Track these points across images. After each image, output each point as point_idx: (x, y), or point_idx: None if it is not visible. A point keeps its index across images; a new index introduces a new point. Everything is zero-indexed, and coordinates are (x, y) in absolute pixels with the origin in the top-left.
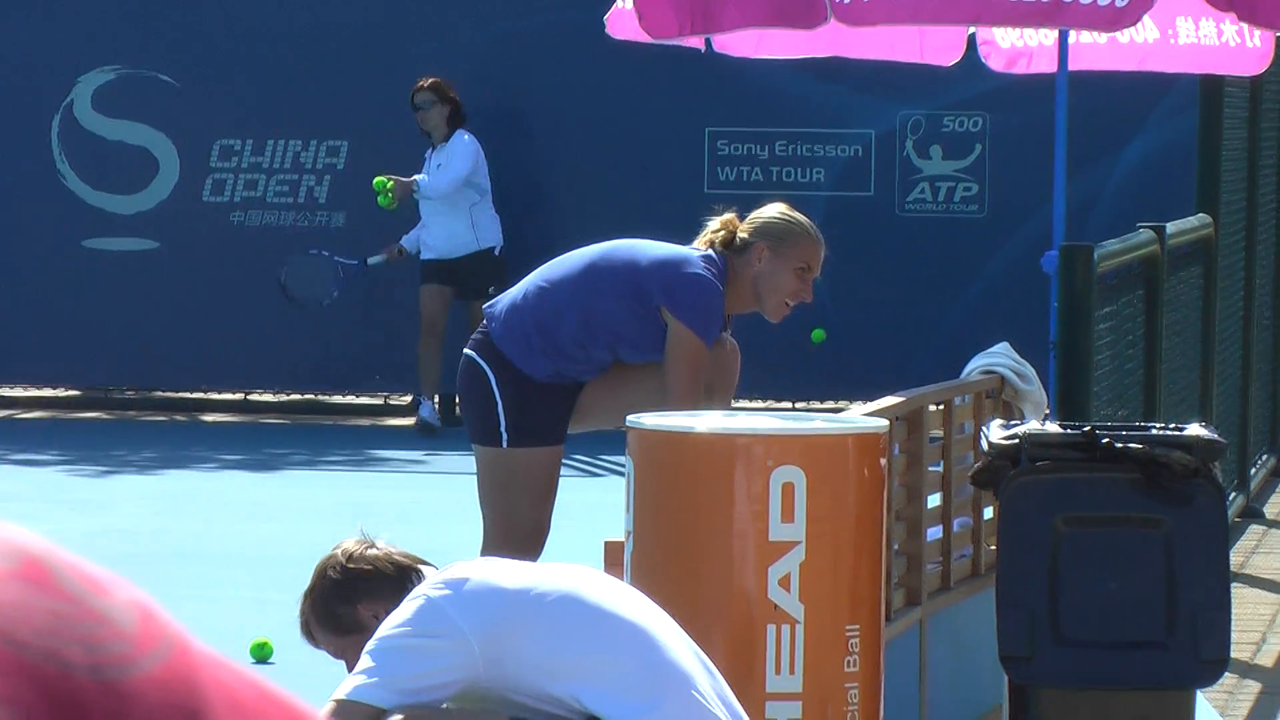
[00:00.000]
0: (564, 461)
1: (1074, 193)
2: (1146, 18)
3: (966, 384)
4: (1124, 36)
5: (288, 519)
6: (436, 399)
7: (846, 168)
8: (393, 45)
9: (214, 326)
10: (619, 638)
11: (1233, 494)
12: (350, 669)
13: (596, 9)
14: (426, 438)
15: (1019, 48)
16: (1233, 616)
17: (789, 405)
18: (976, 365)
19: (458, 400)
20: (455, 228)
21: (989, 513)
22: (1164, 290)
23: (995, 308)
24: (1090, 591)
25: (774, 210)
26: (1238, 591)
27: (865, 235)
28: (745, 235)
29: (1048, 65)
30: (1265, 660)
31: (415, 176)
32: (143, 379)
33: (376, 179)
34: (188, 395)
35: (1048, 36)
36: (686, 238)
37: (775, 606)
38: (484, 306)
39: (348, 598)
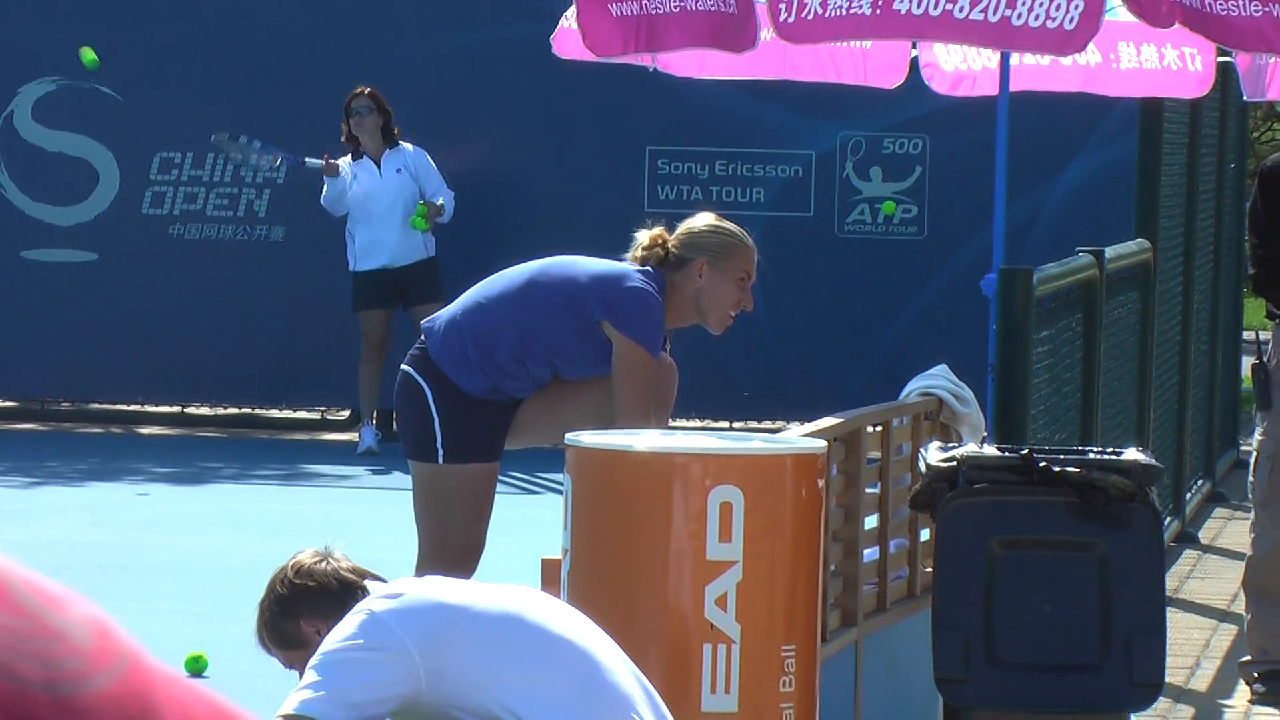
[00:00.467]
0: (501, 478)
1: (1013, 215)
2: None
3: (904, 405)
4: (1066, 59)
5: (222, 532)
6: (375, 416)
7: (786, 188)
8: (334, 59)
9: (151, 339)
10: (560, 657)
11: (1168, 519)
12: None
13: (538, 25)
14: (363, 458)
15: (962, 71)
16: (1167, 641)
17: (726, 425)
18: (915, 387)
19: (394, 416)
20: (411, 234)
21: (925, 534)
22: (1102, 314)
23: (933, 329)
24: (1025, 614)
25: (704, 222)
26: (1172, 616)
27: (804, 256)
28: (680, 251)
29: (991, 88)
30: (1199, 685)
31: (439, 201)
32: (79, 391)
33: (418, 212)
34: (124, 408)
35: (991, 59)
36: (625, 256)
37: (712, 626)
38: (422, 322)
39: (290, 613)
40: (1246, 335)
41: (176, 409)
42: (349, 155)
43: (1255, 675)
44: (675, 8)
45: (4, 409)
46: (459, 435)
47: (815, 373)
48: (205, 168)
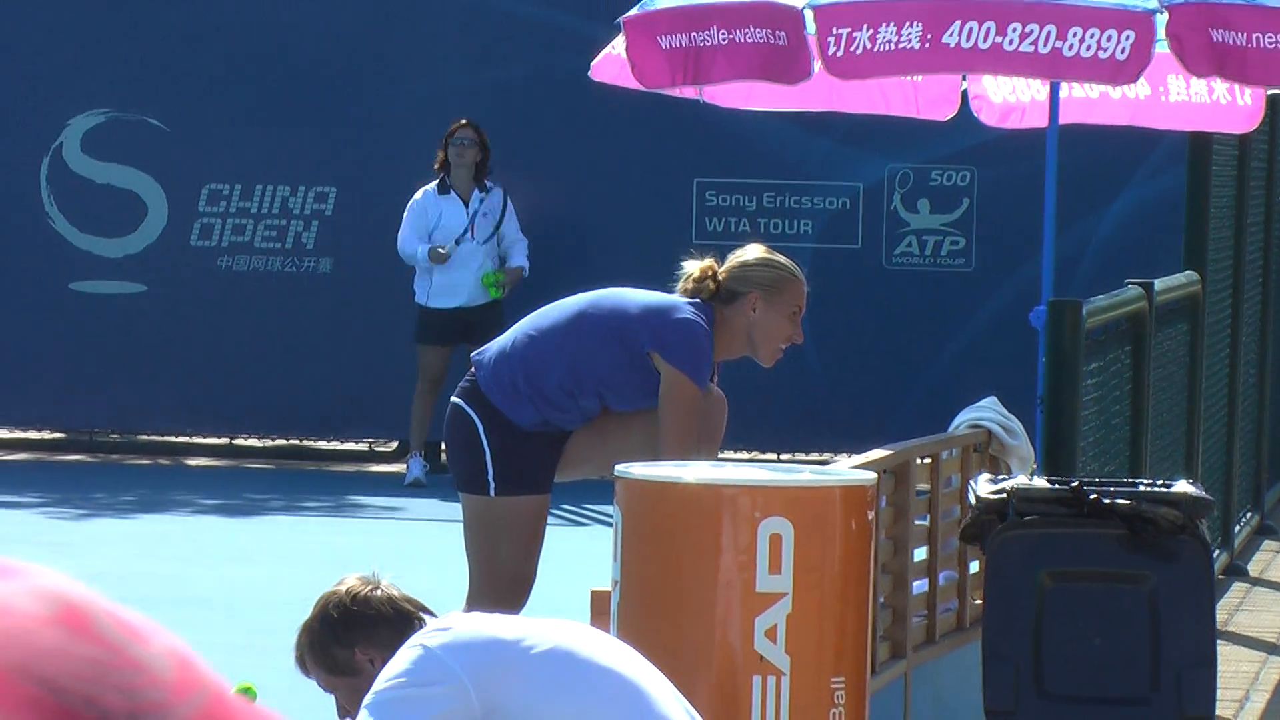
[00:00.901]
0: (551, 511)
1: (1061, 247)
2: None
3: (954, 437)
4: (1115, 92)
5: (269, 564)
6: (424, 449)
7: (834, 220)
8: (381, 91)
9: (199, 370)
10: (611, 690)
11: (1217, 551)
12: (340, 711)
13: (586, 56)
14: (411, 489)
15: (1011, 103)
16: (1218, 674)
17: (774, 457)
18: (964, 419)
19: (444, 448)
20: (489, 268)
21: (974, 566)
22: (1151, 346)
23: (981, 362)
24: (1075, 646)
25: (755, 255)
26: (1221, 649)
27: (852, 288)
28: (731, 285)
29: (1040, 120)
30: (1248, 718)
31: (516, 263)
32: (127, 422)
33: (485, 275)
34: (172, 439)
35: (1040, 91)
36: (673, 287)
37: (761, 658)
38: (473, 355)
39: (345, 640)
40: None
41: (224, 441)
42: (434, 183)
43: None
44: (724, 40)
45: (52, 440)
46: (510, 467)
47: (863, 405)
48: (253, 199)
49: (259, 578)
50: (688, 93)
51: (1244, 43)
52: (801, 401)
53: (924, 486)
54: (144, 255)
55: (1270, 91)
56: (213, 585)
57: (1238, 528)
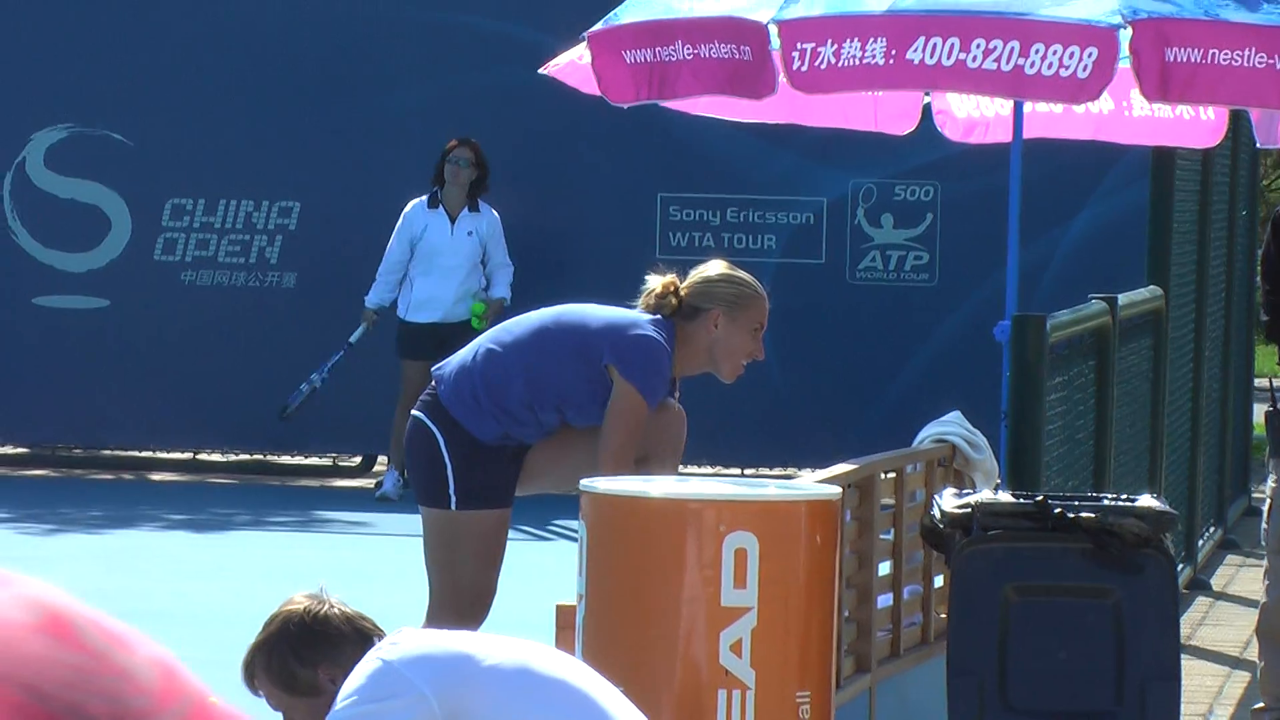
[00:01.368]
0: (516, 526)
1: (1024, 261)
2: None
3: (918, 452)
4: (1079, 107)
5: (233, 579)
6: (402, 468)
7: (797, 235)
8: (344, 106)
9: (163, 385)
10: (568, 704)
11: (1181, 565)
12: None
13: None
14: (380, 504)
15: (975, 118)
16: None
17: (738, 471)
18: (928, 434)
19: (404, 462)
20: (466, 294)
21: (939, 580)
22: (1115, 361)
23: (945, 376)
24: (1040, 660)
25: (718, 271)
26: (1185, 664)
27: (816, 303)
28: (693, 300)
29: (1003, 135)
30: None
31: (499, 296)
32: (91, 437)
33: (474, 305)
34: (136, 454)
35: (1004, 106)
36: (636, 303)
37: (727, 672)
38: (433, 369)
39: (307, 659)
40: (1258, 382)
41: (188, 455)
42: (426, 197)
43: None
44: (689, 55)
45: (16, 455)
46: (471, 481)
47: (827, 419)
48: (217, 214)
49: (223, 592)
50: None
51: (1199, 59)
52: (765, 416)
53: (888, 501)
54: (107, 270)
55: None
56: (177, 600)
57: (1201, 542)
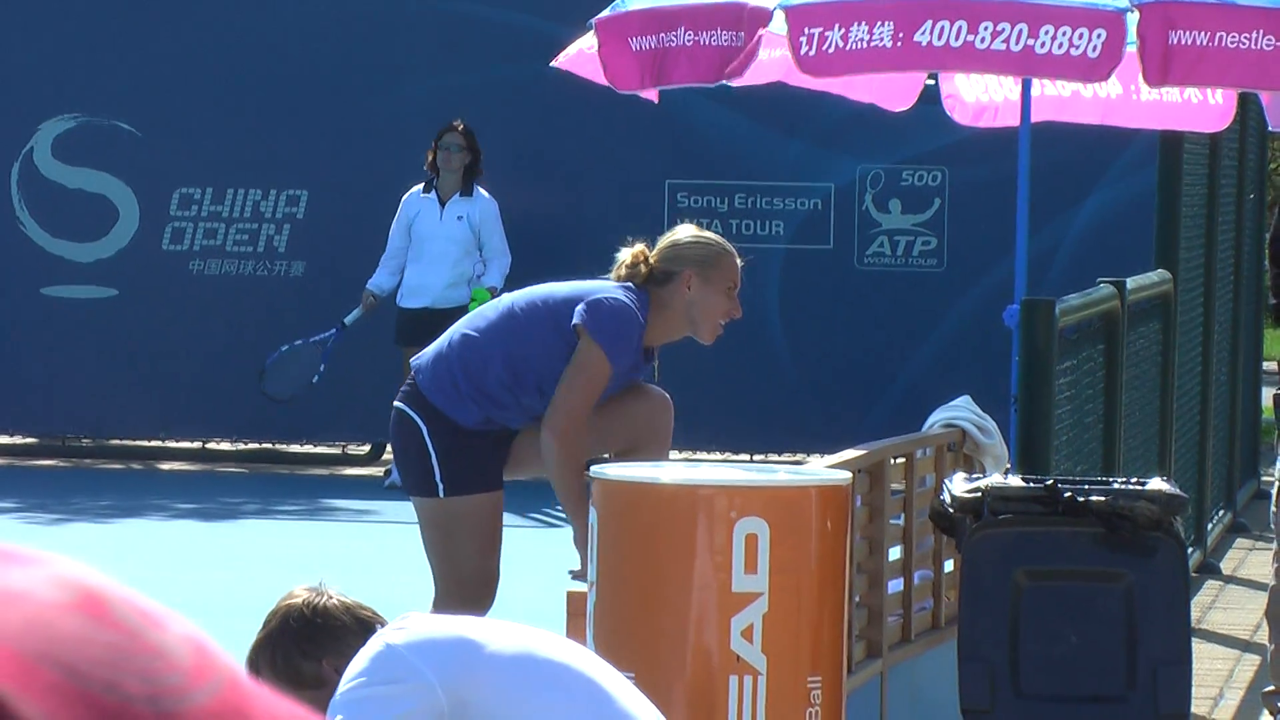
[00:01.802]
0: (525, 513)
1: (1033, 246)
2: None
3: (928, 437)
4: (1087, 91)
5: (243, 568)
6: None
7: (806, 221)
8: (352, 95)
9: (172, 375)
10: (574, 687)
11: (1190, 549)
12: None
13: (554, 59)
14: (389, 492)
15: (984, 102)
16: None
17: (746, 457)
18: (938, 419)
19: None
20: (457, 280)
21: (949, 565)
22: (1124, 345)
23: (954, 361)
24: (1051, 645)
25: (686, 234)
26: (1196, 647)
27: (824, 288)
28: (664, 265)
29: (1012, 119)
30: (1223, 715)
31: (490, 283)
32: (100, 427)
33: (476, 291)
34: (145, 443)
35: (1013, 90)
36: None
37: (738, 658)
38: (411, 360)
39: (310, 653)
40: (1267, 366)
41: (197, 445)
42: (422, 184)
43: (1279, 705)
44: (689, 41)
45: (24, 445)
46: (458, 467)
47: (836, 405)
48: (225, 203)
49: (233, 582)
50: (651, 96)
51: (1205, 42)
52: (775, 402)
53: (898, 486)
54: (115, 260)
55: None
56: (187, 590)
57: (1211, 526)
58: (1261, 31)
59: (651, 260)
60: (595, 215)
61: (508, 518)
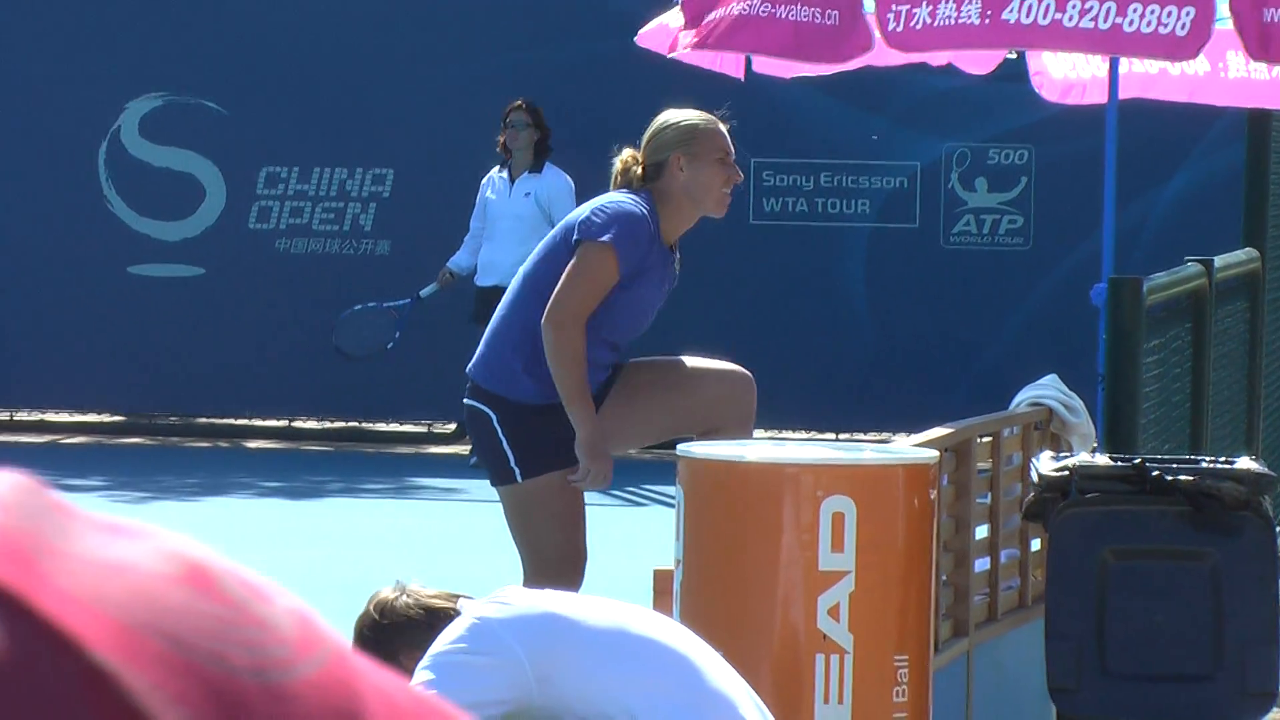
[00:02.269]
0: (612, 493)
1: (1119, 224)
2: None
3: (1014, 415)
4: (1175, 68)
5: (328, 547)
6: None
7: (891, 200)
8: (438, 74)
9: (257, 353)
10: (666, 663)
11: (1278, 528)
12: None
13: (635, 35)
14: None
15: (1071, 79)
16: None
17: (833, 436)
18: (1024, 397)
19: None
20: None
21: (1036, 544)
22: (1211, 323)
23: (1041, 339)
24: (1138, 624)
25: (662, 120)
26: None
27: (910, 267)
28: (653, 157)
29: (1099, 97)
30: None
31: None
32: (186, 405)
33: None
34: (230, 422)
35: (1100, 68)
36: (731, 270)
37: (824, 636)
38: (468, 369)
39: (386, 652)
40: None
41: (283, 423)
42: (498, 166)
43: None
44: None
45: (112, 423)
46: (529, 447)
47: (922, 383)
48: (311, 182)
49: (318, 560)
50: (729, 69)
51: None
52: (860, 380)
53: (985, 465)
54: (202, 238)
55: None
56: (271, 568)
57: None
58: None
59: (641, 159)
60: None
61: (594, 496)
